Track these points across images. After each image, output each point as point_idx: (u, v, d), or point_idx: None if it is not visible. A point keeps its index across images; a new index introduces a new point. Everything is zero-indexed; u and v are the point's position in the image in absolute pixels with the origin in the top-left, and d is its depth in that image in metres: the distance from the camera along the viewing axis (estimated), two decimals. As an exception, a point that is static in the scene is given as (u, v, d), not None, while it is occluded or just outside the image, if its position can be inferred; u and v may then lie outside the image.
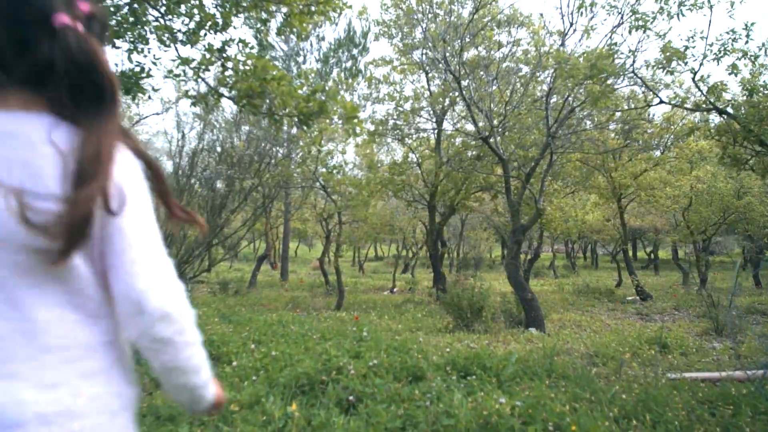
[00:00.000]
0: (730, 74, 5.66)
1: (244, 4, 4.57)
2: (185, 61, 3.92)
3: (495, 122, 9.07)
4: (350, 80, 16.14)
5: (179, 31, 4.44)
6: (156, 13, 4.44)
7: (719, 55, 5.64)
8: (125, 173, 0.83)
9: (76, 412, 0.79)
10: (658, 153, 14.28)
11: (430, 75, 13.37)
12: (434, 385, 3.69)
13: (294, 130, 12.51)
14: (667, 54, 5.59)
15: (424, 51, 12.25)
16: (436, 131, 13.88)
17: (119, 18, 4.14)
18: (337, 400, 3.43)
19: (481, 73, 10.92)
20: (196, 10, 4.40)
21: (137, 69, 3.97)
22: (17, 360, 0.77)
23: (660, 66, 5.69)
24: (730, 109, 5.56)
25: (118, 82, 0.89)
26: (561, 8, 7.37)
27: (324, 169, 12.08)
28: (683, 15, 5.29)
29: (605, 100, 6.38)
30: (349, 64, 18.01)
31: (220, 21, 4.58)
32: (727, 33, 5.49)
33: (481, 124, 9.45)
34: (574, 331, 8.16)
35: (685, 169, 14.38)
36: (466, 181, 12.74)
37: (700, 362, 5.67)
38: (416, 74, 13.62)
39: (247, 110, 3.86)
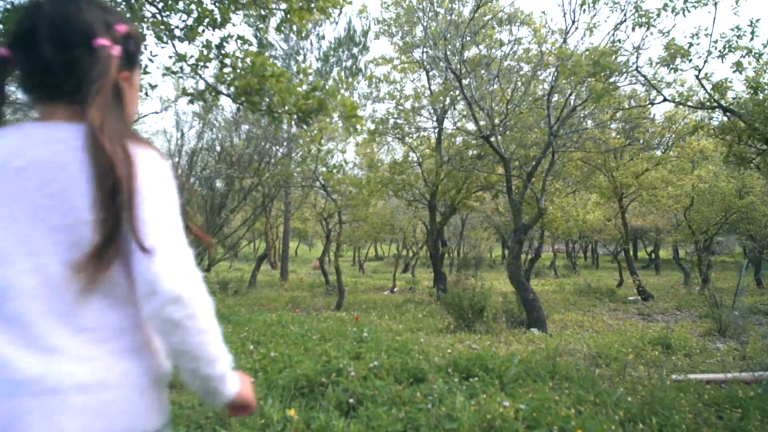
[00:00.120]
0: (734, 72, 5.59)
1: (243, 1, 4.50)
2: (182, 58, 3.85)
3: (496, 121, 9.00)
4: (350, 79, 16.07)
5: (176, 27, 4.37)
6: (153, 9, 4.38)
7: (724, 53, 5.57)
8: (146, 171, 0.91)
9: (109, 384, 0.87)
10: (659, 152, 14.20)
11: (430, 74, 13.31)
12: (436, 387, 3.63)
13: (294, 129, 12.45)
14: (671, 51, 5.52)
15: (425, 49, 12.19)
16: (436, 130, 13.82)
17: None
18: (337, 403, 3.37)
19: (482, 71, 10.86)
20: (194, 6, 4.33)
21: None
22: (56, 337, 0.86)
23: (664, 63, 5.62)
24: (734, 107, 5.50)
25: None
26: (563, 5, 7.31)
27: (324, 169, 12.01)
28: (688, 11, 5.22)
29: (608, 98, 6.31)
30: (349, 63, 17.94)
31: (218, 17, 4.52)
32: (732, 30, 5.42)
33: (482, 123, 9.39)
34: (576, 331, 8.09)
35: (687, 169, 14.32)
36: (467, 180, 12.67)
37: (704, 363, 5.60)
38: (417, 73, 13.56)
39: (245, 107, 3.80)
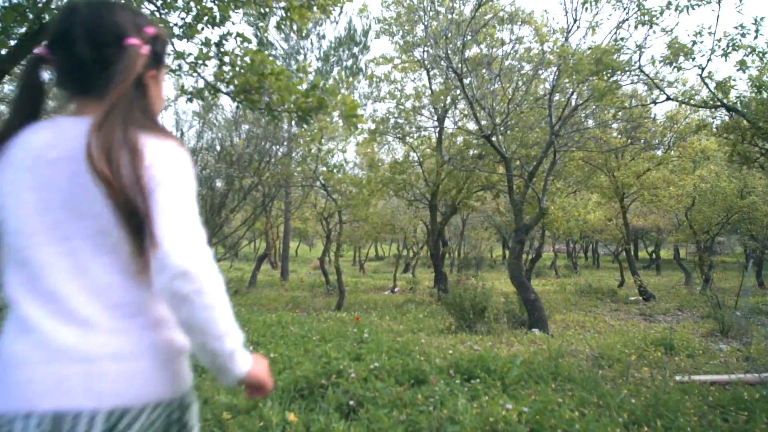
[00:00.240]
0: (738, 70, 5.54)
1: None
2: (180, 55, 3.81)
3: (497, 120, 8.95)
4: (351, 79, 16.02)
5: (175, 24, 4.33)
6: (152, 7, 4.33)
7: (727, 51, 5.52)
8: (162, 158, 0.98)
9: (138, 354, 0.97)
10: (659, 152, 14.14)
11: (431, 73, 13.25)
12: (437, 389, 3.58)
13: (294, 129, 12.41)
14: (674, 49, 5.47)
15: (426, 48, 12.14)
16: (437, 130, 13.76)
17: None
18: (337, 405, 3.32)
19: (483, 71, 10.80)
20: (193, 4, 4.28)
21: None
22: (89, 311, 0.95)
23: (667, 62, 5.57)
24: (738, 106, 5.45)
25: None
26: (564, 4, 7.25)
27: (324, 168, 11.97)
28: (693, 8, 5.17)
29: (611, 96, 6.26)
30: (349, 62, 17.89)
31: (217, 15, 4.47)
32: (736, 28, 5.37)
33: (483, 122, 9.34)
34: (578, 332, 8.05)
35: (689, 169, 14.26)
36: (468, 180, 12.62)
37: (707, 364, 5.55)
38: (417, 72, 13.50)
39: (244, 106, 3.75)
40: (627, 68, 5.86)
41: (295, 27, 4.70)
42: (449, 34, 9.08)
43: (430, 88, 13.45)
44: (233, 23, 4.52)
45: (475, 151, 12.38)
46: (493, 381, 3.96)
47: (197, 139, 11.25)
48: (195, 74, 3.94)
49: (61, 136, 1.00)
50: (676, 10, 5.40)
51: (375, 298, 13.21)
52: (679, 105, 9.01)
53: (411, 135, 13.77)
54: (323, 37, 22.57)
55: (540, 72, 10.33)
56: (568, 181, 14.24)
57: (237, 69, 3.73)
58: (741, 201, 13.75)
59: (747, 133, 5.20)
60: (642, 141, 13.03)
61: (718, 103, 5.68)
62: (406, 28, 12.14)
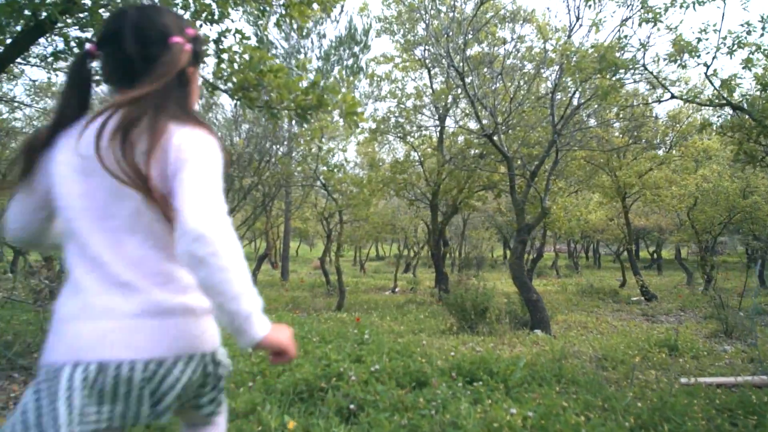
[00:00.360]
0: (743, 68, 5.47)
1: (242, -5, 4.38)
2: (178, 52, 3.73)
3: (499, 119, 8.88)
4: (351, 78, 15.95)
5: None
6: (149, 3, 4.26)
7: (733, 49, 5.44)
8: (189, 142, 1.10)
9: (172, 313, 1.11)
10: (661, 152, 14.05)
11: (432, 72, 13.18)
12: (439, 392, 3.51)
13: (295, 128, 12.34)
14: (679, 46, 5.39)
15: (427, 47, 12.06)
16: (438, 129, 13.68)
17: (109, 7, 3.97)
18: (337, 409, 3.25)
19: (485, 69, 10.73)
20: (191, 0, 4.22)
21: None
22: (128, 276, 1.09)
23: (672, 59, 5.49)
24: (743, 105, 5.38)
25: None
26: (567, 1, 7.17)
27: (325, 168, 11.91)
28: (700, 4, 5.09)
29: (615, 95, 6.18)
30: (350, 61, 17.82)
31: (216, 12, 4.41)
32: (742, 26, 5.30)
33: (485, 121, 9.27)
34: (581, 332, 7.97)
35: (691, 168, 14.17)
36: (469, 179, 12.54)
37: (712, 366, 5.48)
38: (418, 71, 13.41)
39: (243, 104, 3.68)
40: (631, 66, 5.78)
41: (295, 25, 4.63)
42: (450, 33, 9.01)
43: (431, 87, 13.37)
44: (232, 20, 4.46)
45: (477, 151, 12.30)
46: (496, 384, 3.89)
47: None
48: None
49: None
50: (681, 7, 5.33)
51: (376, 299, 13.13)
52: (685, 103, 8.92)
53: (412, 134, 13.69)
54: (324, 36, 22.48)
55: (542, 71, 10.26)
56: (570, 181, 14.16)
57: (235, 66, 3.66)
58: (743, 201, 13.67)
59: (753, 132, 5.13)
60: (644, 141, 12.94)
61: (723, 102, 5.60)
62: (407, 26, 12.06)
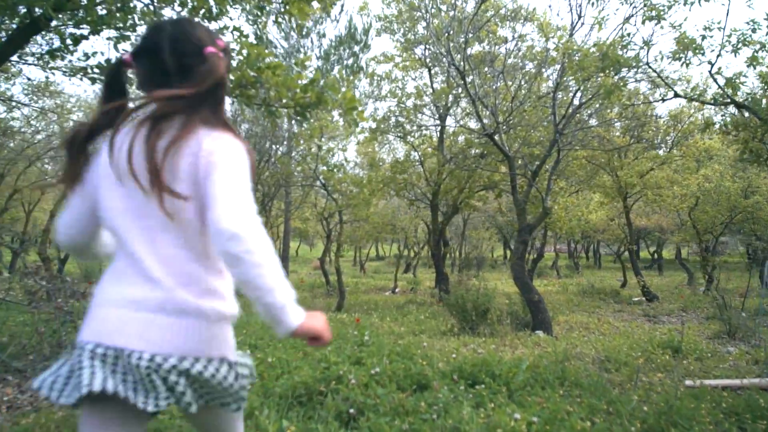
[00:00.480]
0: (748, 66, 5.40)
1: (240, -8, 4.32)
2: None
3: (500, 119, 8.80)
4: (351, 77, 15.87)
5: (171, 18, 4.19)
6: (146, 0, 4.20)
7: (737, 47, 5.37)
8: (218, 146, 1.18)
9: (186, 313, 1.18)
10: (661, 152, 13.97)
11: (432, 71, 13.10)
12: (441, 395, 3.44)
13: (295, 128, 12.27)
14: (683, 43, 5.32)
15: (427, 46, 11.99)
16: (439, 129, 13.60)
17: (105, 4, 3.90)
18: (337, 413, 3.18)
19: (486, 69, 10.66)
20: (188, -3, 4.15)
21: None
22: (158, 273, 1.17)
23: (677, 57, 5.42)
24: (749, 103, 5.30)
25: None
26: None
27: (325, 167, 11.84)
28: (706, 0, 5.02)
29: (618, 93, 6.11)
30: (350, 61, 17.74)
31: (214, 8, 4.33)
32: (747, 23, 5.23)
33: (486, 121, 9.20)
34: (582, 333, 7.90)
35: (692, 168, 14.10)
36: (470, 179, 12.47)
37: (717, 368, 5.41)
38: (419, 71, 13.34)
39: (240, 101, 3.62)
40: (634, 64, 5.71)
41: (294, 24, 4.56)
42: (451, 32, 8.94)
43: (432, 86, 13.30)
44: (231, 19, 4.40)
45: (477, 150, 12.23)
46: (499, 386, 3.82)
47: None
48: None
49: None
50: (685, 4, 5.26)
51: (376, 299, 13.06)
52: (689, 101, 8.84)
53: (412, 134, 13.61)
54: (323, 35, 22.41)
55: (543, 70, 10.19)
56: (571, 181, 14.09)
57: (232, 63, 3.58)
58: (745, 201, 13.61)
59: (758, 131, 5.06)
60: (644, 141, 12.86)
61: (728, 100, 5.53)
62: (407, 25, 11.99)
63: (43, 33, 5.24)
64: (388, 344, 5.16)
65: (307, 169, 12.16)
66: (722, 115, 6.52)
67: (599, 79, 6.58)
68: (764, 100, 5.32)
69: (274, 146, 12.48)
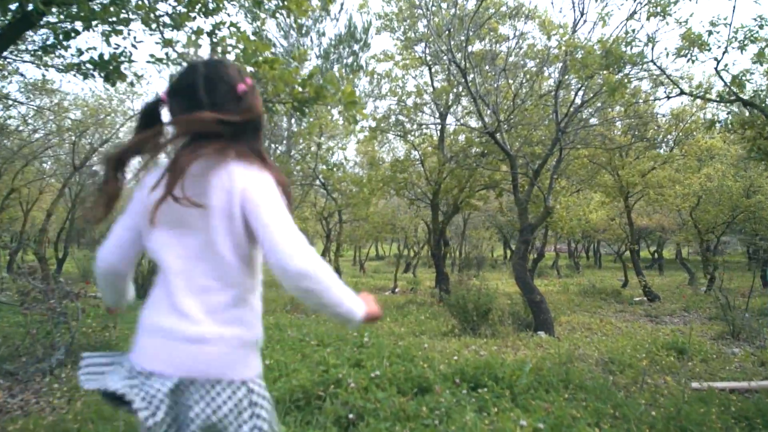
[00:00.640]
0: (755, 63, 5.30)
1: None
2: (168, 43, 3.57)
3: (501, 117, 8.70)
4: (351, 76, 15.78)
5: (165, 13, 4.09)
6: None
7: (744, 43, 5.28)
8: (251, 183, 1.26)
9: (208, 341, 1.24)
10: (662, 150, 13.87)
11: (433, 70, 13.00)
12: (443, 399, 3.35)
13: (294, 127, 12.18)
14: (689, 39, 5.22)
15: (428, 44, 11.89)
16: (439, 127, 13.50)
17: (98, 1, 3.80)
18: (336, 418, 3.09)
19: (486, 67, 10.56)
20: (185, -8, 4.05)
21: (117, 52, 3.62)
22: (187, 306, 1.25)
23: (682, 54, 5.32)
24: (756, 101, 5.21)
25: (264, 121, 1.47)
26: (571, -4, 6.99)
27: (324, 167, 11.75)
28: (713, -6, 4.90)
29: (622, 90, 6.01)
30: (350, 60, 17.67)
31: (211, 3, 4.24)
32: (754, 20, 5.13)
33: (487, 119, 9.10)
34: (585, 334, 7.80)
35: (694, 167, 14.00)
36: (470, 178, 12.37)
37: (723, 370, 5.31)
38: (419, 69, 13.23)
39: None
40: (639, 61, 5.61)
41: (293, 20, 4.47)
42: (452, 29, 8.84)
43: (432, 84, 13.19)
44: (229, 15, 4.30)
45: (478, 149, 12.12)
46: (502, 390, 3.73)
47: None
48: (183, 62, 3.70)
49: None
50: (691, -1, 5.16)
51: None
52: (694, 99, 8.74)
53: (412, 133, 13.51)
54: (323, 34, 22.35)
55: (544, 69, 10.09)
56: (572, 180, 13.99)
57: (228, 56, 3.49)
58: (747, 200, 13.52)
59: (765, 128, 4.97)
60: (645, 139, 12.75)
61: (734, 98, 5.44)
62: (407, 23, 11.89)
63: (36, 28, 5.14)
64: (388, 346, 5.07)
65: (306, 168, 12.07)
66: (728, 113, 6.41)
67: (601, 78, 6.48)
68: (771, 98, 5.22)
69: (273, 145, 12.39)
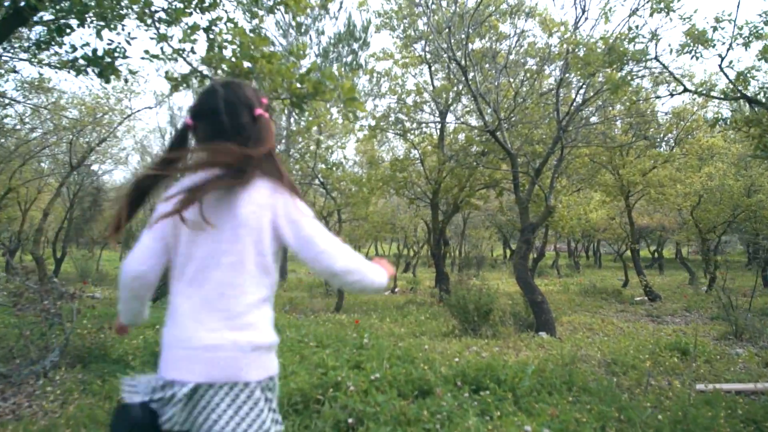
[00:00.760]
0: (759, 59, 5.22)
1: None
2: (163, 38, 3.49)
3: (502, 115, 8.62)
4: (350, 74, 15.69)
5: (161, 8, 4.01)
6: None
7: (749, 40, 5.20)
8: (284, 201, 1.40)
9: (222, 347, 1.33)
10: (662, 149, 13.78)
11: (433, 68, 12.91)
12: (444, 402, 3.27)
13: (293, 126, 12.08)
14: (693, 36, 5.15)
15: (427, 42, 11.80)
16: (439, 126, 13.41)
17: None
18: (335, 422, 3.01)
19: (487, 65, 10.48)
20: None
21: (111, 48, 3.54)
22: (201, 314, 1.36)
23: (686, 50, 5.25)
24: (761, 98, 5.13)
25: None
26: (573, -6, 6.91)
27: (323, 166, 11.67)
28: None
29: (625, 88, 5.93)
30: (349, 58, 17.56)
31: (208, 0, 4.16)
32: (760, 16, 5.06)
33: (487, 118, 9.02)
34: (586, 335, 7.73)
35: (695, 166, 13.93)
36: (471, 177, 12.29)
37: (728, 371, 5.23)
38: (419, 67, 13.15)
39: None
40: (642, 57, 5.53)
41: (291, 17, 4.39)
42: (452, 27, 8.76)
43: (432, 83, 13.11)
44: (226, 12, 4.20)
45: (478, 148, 12.04)
46: (504, 392, 3.65)
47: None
48: (179, 59, 3.62)
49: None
50: (695, -5, 5.07)
51: (375, 299, 12.89)
52: (699, 97, 8.66)
53: (412, 131, 13.42)
54: (322, 33, 22.25)
55: (545, 67, 10.01)
56: (572, 179, 13.91)
57: (224, 51, 3.41)
58: (748, 199, 13.45)
59: (769, 127, 4.89)
60: (646, 138, 12.66)
61: (738, 95, 5.36)
62: (407, 21, 11.80)
63: (30, 25, 5.06)
64: (388, 347, 4.99)
65: (305, 167, 11.99)
66: (732, 110, 6.33)
67: (602, 77, 6.40)
68: (776, 95, 5.14)
69: (272, 144, 12.28)
